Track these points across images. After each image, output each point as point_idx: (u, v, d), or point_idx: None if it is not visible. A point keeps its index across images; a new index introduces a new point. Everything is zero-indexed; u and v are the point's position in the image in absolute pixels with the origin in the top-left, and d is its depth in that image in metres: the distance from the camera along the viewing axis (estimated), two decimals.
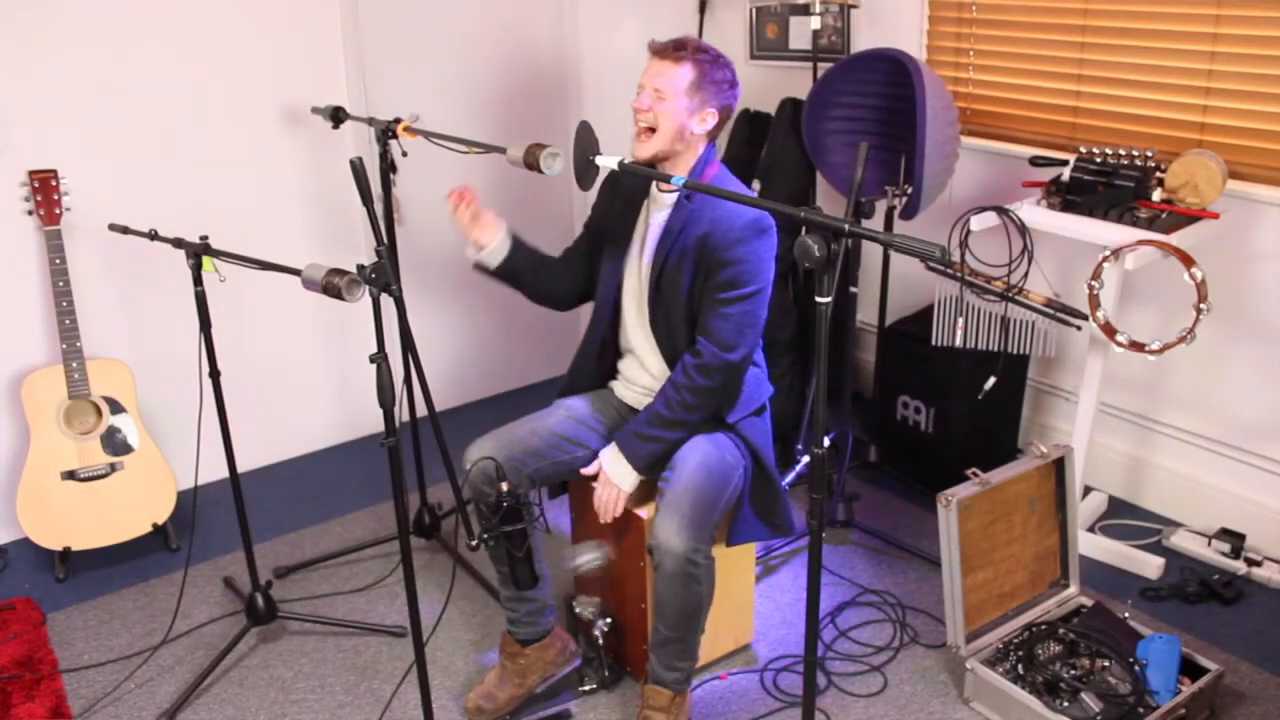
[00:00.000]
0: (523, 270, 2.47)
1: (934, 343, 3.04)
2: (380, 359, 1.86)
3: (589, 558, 2.49)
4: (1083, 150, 2.85)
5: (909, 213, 3.03)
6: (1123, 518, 3.18)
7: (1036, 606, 2.62)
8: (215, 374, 2.46)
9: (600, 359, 2.53)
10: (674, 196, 2.32)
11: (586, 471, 2.38)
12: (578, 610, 2.51)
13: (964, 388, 3.10)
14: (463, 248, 2.45)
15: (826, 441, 2.22)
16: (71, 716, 2.48)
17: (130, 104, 3.11)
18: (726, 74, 2.27)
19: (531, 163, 2.27)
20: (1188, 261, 2.52)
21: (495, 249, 2.42)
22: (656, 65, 2.25)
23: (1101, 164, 2.81)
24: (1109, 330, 2.66)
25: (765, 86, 3.93)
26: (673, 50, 2.23)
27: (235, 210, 3.35)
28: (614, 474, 2.31)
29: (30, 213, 2.94)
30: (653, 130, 2.25)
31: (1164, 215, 2.68)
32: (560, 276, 2.53)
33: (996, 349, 2.96)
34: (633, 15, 4.02)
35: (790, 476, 3.25)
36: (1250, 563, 2.86)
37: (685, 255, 2.26)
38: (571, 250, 2.56)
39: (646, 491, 2.39)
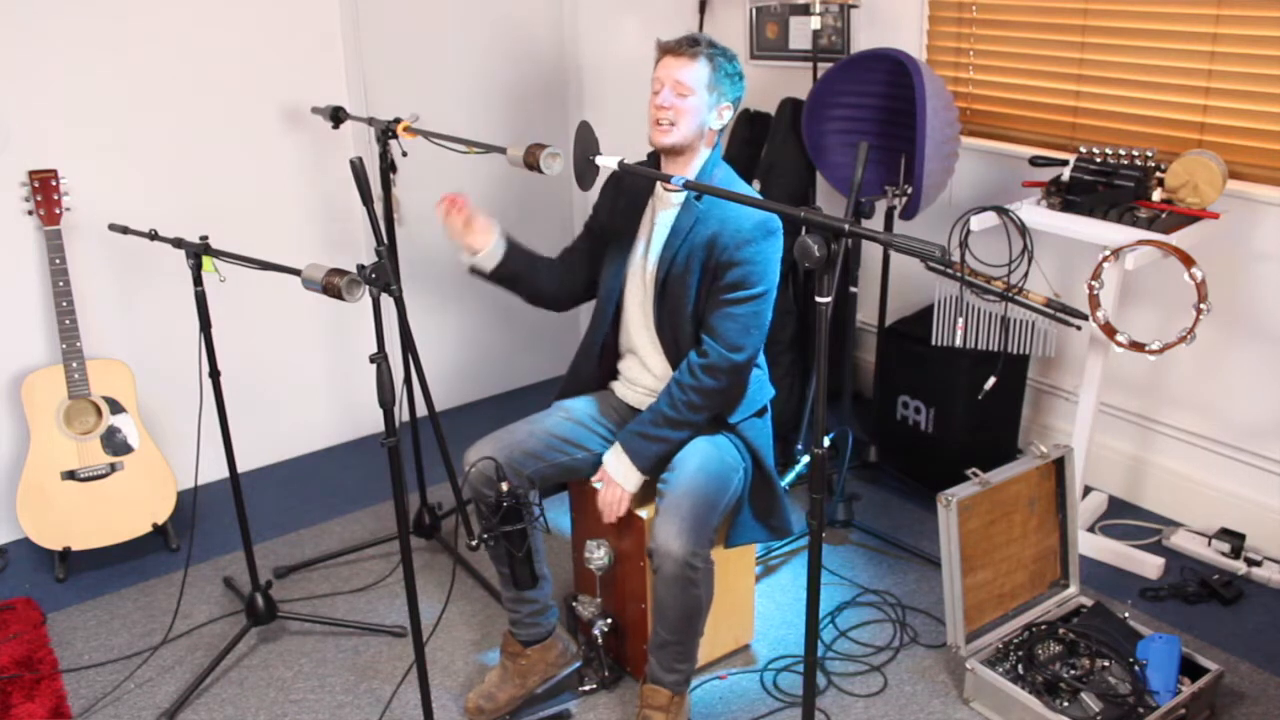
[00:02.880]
0: (519, 273, 2.45)
1: (934, 343, 3.04)
2: (380, 359, 1.86)
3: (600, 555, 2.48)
4: (1083, 150, 2.85)
5: (909, 213, 3.03)
6: (1123, 518, 3.18)
7: (1036, 606, 2.62)
8: (215, 374, 2.46)
9: (600, 360, 2.53)
10: (681, 196, 2.31)
11: (595, 480, 2.38)
12: (578, 610, 2.51)
13: (964, 388, 3.10)
14: (456, 254, 2.44)
15: (826, 441, 2.21)
16: (71, 716, 2.48)
17: (130, 104, 3.11)
18: (736, 66, 2.29)
19: (531, 163, 2.27)
20: (1188, 261, 2.52)
21: (489, 253, 2.40)
22: (673, 62, 2.24)
23: (1101, 164, 2.81)
24: (1109, 330, 2.66)
25: (765, 86, 3.93)
26: (689, 46, 2.24)
27: (235, 210, 3.35)
28: (617, 474, 2.31)
29: (30, 213, 2.94)
30: (674, 125, 2.25)
31: (1164, 215, 2.68)
32: (557, 277, 2.52)
33: (996, 349, 2.96)
34: (633, 15, 4.02)
35: (790, 476, 3.25)
36: (1250, 563, 2.86)
37: (693, 255, 2.26)
38: (570, 250, 2.55)
39: (647, 492, 2.39)
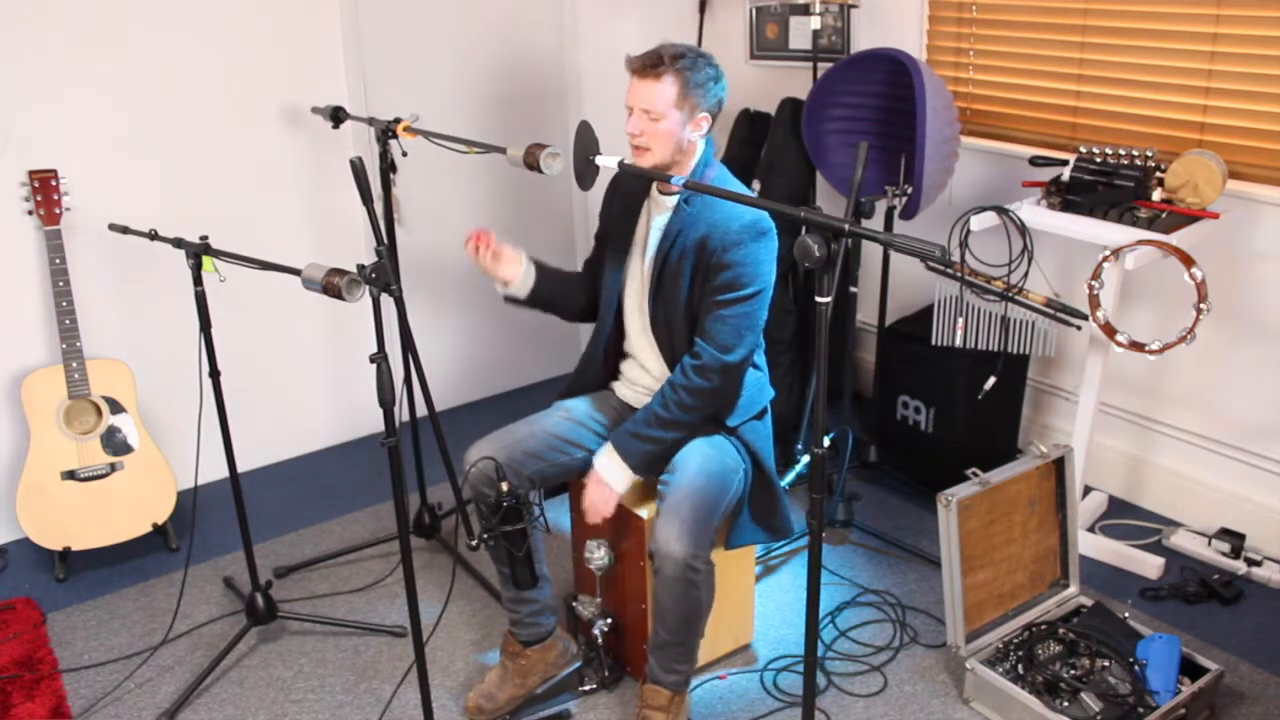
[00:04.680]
0: (551, 294, 2.49)
1: (934, 343, 3.04)
2: (380, 359, 1.86)
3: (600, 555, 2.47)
4: (1083, 150, 2.85)
5: (909, 213, 3.03)
6: (1123, 518, 3.18)
7: (1036, 606, 2.62)
8: (215, 374, 2.46)
9: (604, 362, 2.53)
10: (674, 199, 2.31)
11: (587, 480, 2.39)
12: (578, 610, 2.51)
13: (964, 388, 3.10)
14: (463, 273, 2.45)
15: (826, 441, 2.21)
16: (71, 716, 2.48)
17: (130, 104, 3.11)
18: (709, 72, 2.23)
19: (531, 163, 2.27)
20: (1188, 261, 2.52)
21: (521, 282, 2.43)
22: (638, 85, 2.22)
23: (1101, 164, 2.81)
24: (1109, 330, 2.66)
25: (765, 86, 3.93)
26: (651, 67, 2.19)
27: (235, 210, 3.35)
28: (607, 473, 2.30)
29: (30, 213, 2.94)
30: (648, 150, 2.24)
31: (1164, 215, 2.68)
32: (584, 289, 2.54)
33: (996, 349, 2.96)
34: (633, 16, 4.02)
35: (790, 476, 3.25)
36: (1250, 563, 2.86)
37: (684, 257, 2.26)
38: (589, 262, 2.58)
39: (646, 492, 2.39)
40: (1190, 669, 2.37)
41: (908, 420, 3.31)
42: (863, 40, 3.64)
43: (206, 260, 2.32)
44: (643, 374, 2.47)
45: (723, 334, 2.23)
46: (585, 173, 2.03)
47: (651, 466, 2.31)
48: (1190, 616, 2.73)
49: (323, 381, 3.72)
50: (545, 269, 2.48)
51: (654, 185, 2.37)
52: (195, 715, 2.49)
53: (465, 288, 3.92)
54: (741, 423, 2.37)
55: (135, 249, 3.19)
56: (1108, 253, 2.61)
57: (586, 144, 2.03)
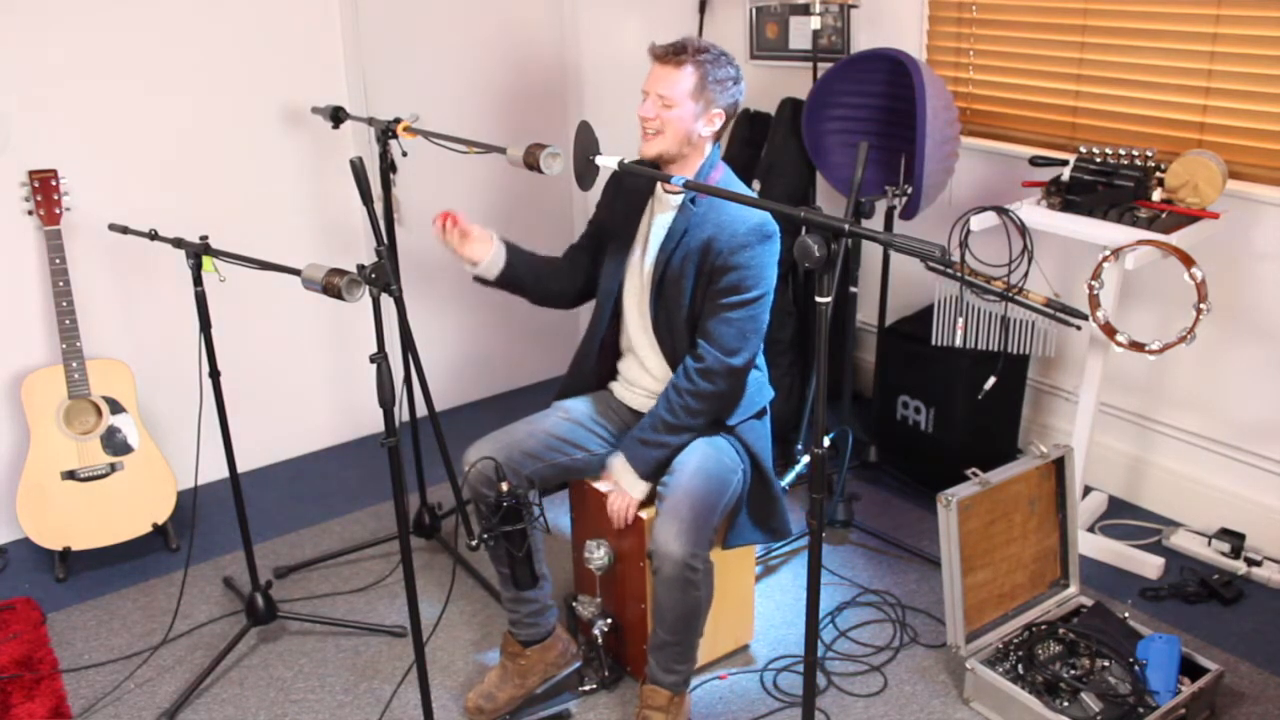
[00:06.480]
0: (522, 276, 2.46)
1: (934, 343, 3.04)
2: (380, 359, 1.86)
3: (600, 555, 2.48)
4: (1083, 150, 2.85)
5: (909, 213, 3.03)
6: (1123, 518, 3.18)
7: (1036, 606, 2.62)
8: (215, 374, 2.46)
9: (599, 359, 2.53)
10: (679, 199, 2.31)
11: (601, 486, 2.40)
12: (578, 610, 2.51)
13: (964, 388, 3.10)
14: (459, 265, 2.45)
15: (826, 441, 2.21)
16: (71, 716, 2.48)
17: (130, 104, 3.11)
18: (730, 71, 2.26)
19: (531, 163, 2.27)
20: (1188, 261, 2.52)
21: (490, 262, 2.41)
22: (659, 71, 2.24)
23: (1101, 164, 2.81)
24: (1109, 330, 2.67)
25: (765, 86, 3.93)
26: (674, 54, 2.22)
27: (235, 210, 3.35)
28: (624, 482, 2.33)
29: (30, 213, 2.94)
30: (658, 134, 2.25)
31: (1164, 215, 2.68)
32: (561, 275, 2.53)
33: (996, 349, 2.96)
34: (633, 15, 4.02)
35: (790, 477, 3.25)
36: (1250, 563, 2.86)
37: (689, 259, 2.26)
38: (575, 247, 2.56)
39: (649, 493, 2.39)
40: (1190, 669, 2.37)
41: (908, 420, 3.31)
42: (863, 40, 3.65)
43: (206, 260, 2.32)
44: (642, 374, 2.47)
45: (727, 336, 2.23)
46: (585, 173, 2.03)
47: (661, 470, 2.32)
48: (1190, 616, 2.73)
49: (323, 381, 3.72)
50: (518, 251, 2.46)
51: (659, 183, 2.37)
52: (195, 715, 2.49)
53: (465, 288, 3.91)
54: (740, 422, 2.37)
55: (135, 249, 3.19)
56: (1108, 253, 2.61)
57: (586, 144, 2.03)
